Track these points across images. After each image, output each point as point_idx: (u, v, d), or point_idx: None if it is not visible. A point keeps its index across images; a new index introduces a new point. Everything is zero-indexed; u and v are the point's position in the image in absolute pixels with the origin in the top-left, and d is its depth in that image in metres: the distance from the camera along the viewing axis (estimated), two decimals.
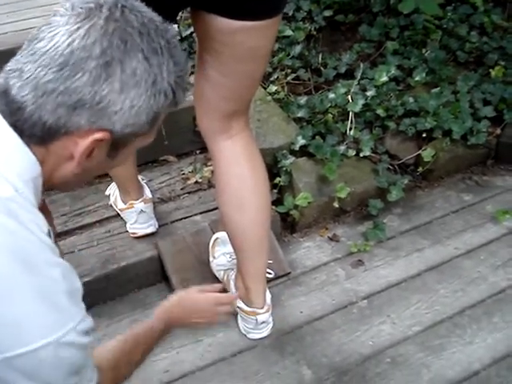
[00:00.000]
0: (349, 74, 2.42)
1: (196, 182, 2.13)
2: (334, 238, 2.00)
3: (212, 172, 2.18)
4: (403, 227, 2.06)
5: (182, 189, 2.11)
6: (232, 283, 1.66)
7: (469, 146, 2.23)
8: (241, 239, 1.51)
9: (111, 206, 2.00)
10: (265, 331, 1.66)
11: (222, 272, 1.74)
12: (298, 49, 2.44)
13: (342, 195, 1.94)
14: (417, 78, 2.36)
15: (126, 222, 1.92)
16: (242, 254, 1.54)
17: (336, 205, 1.96)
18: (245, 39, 1.21)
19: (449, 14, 2.68)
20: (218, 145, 1.43)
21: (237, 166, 1.45)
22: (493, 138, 2.30)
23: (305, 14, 2.62)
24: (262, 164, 1.49)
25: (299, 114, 2.17)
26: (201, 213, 2.00)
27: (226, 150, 1.43)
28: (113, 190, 1.97)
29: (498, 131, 2.31)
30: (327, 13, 2.59)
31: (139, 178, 1.92)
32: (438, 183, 2.25)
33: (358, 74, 2.33)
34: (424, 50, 2.52)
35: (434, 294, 1.80)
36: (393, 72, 2.31)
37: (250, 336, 1.67)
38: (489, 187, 2.22)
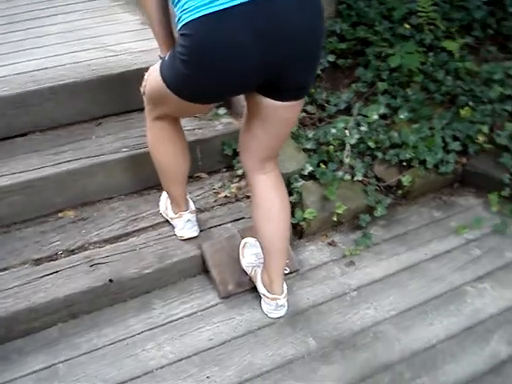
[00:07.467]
0: (347, 109, 3.01)
1: (225, 196, 2.70)
2: (332, 244, 2.58)
3: (238, 188, 2.76)
4: (385, 236, 2.63)
5: (214, 201, 2.68)
6: (259, 276, 2.24)
7: (439, 173, 2.82)
8: (269, 244, 2.08)
9: (160, 214, 2.57)
10: (281, 312, 2.24)
11: (250, 268, 2.31)
12: None
13: (340, 211, 2.53)
14: (401, 116, 2.92)
15: (174, 227, 2.49)
16: (269, 254, 2.11)
17: (335, 218, 2.55)
18: (283, 113, 1.79)
19: (430, 59, 3.21)
20: (256, 178, 2.01)
21: (268, 192, 2.02)
22: (460, 166, 2.89)
23: None
24: (285, 191, 2.07)
25: (308, 146, 2.74)
26: (230, 221, 2.56)
27: (261, 182, 2.01)
28: (164, 202, 2.54)
29: (464, 161, 2.90)
30: (331, 58, 3.17)
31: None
32: (414, 201, 2.84)
33: (354, 111, 2.92)
34: (408, 90, 3.08)
35: (406, 288, 2.37)
36: (382, 111, 2.89)
37: (271, 315, 2.24)
38: (454, 206, 2.81)
